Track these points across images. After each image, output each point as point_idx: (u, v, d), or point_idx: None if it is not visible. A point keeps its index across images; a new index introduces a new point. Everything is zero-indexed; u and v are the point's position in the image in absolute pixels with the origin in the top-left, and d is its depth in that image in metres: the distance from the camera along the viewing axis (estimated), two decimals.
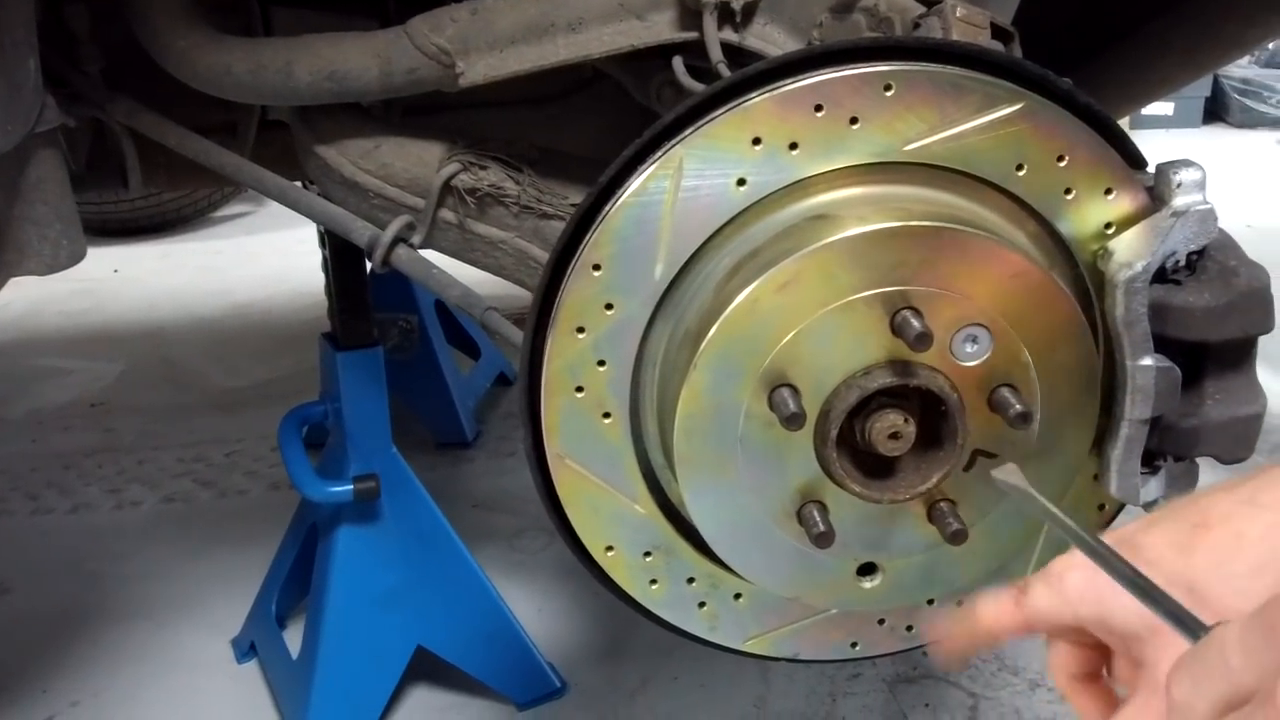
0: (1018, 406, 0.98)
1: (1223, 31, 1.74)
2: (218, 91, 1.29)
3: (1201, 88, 6.49)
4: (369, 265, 1.42)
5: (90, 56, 1.36)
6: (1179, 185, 0.99)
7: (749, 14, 1.16)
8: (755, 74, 0.97)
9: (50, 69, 1.27)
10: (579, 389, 1.04)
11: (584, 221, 1.00)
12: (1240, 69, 6.63)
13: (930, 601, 1.13)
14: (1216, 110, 6.70)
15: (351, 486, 1.70)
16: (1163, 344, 1.02)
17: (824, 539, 1.00)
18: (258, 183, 1.36)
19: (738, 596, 1.14)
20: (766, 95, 0.96)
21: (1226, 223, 1.04)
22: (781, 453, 1.01)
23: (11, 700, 1.91)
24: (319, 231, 1.82)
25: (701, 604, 1.14)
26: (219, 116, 1.47)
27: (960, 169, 1.00)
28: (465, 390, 2.85)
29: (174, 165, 1.50)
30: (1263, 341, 1.05)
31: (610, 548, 1.10)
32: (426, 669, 1.86)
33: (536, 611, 2.09)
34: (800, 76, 0.97)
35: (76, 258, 1.29)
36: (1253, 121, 6.50)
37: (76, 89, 1.36)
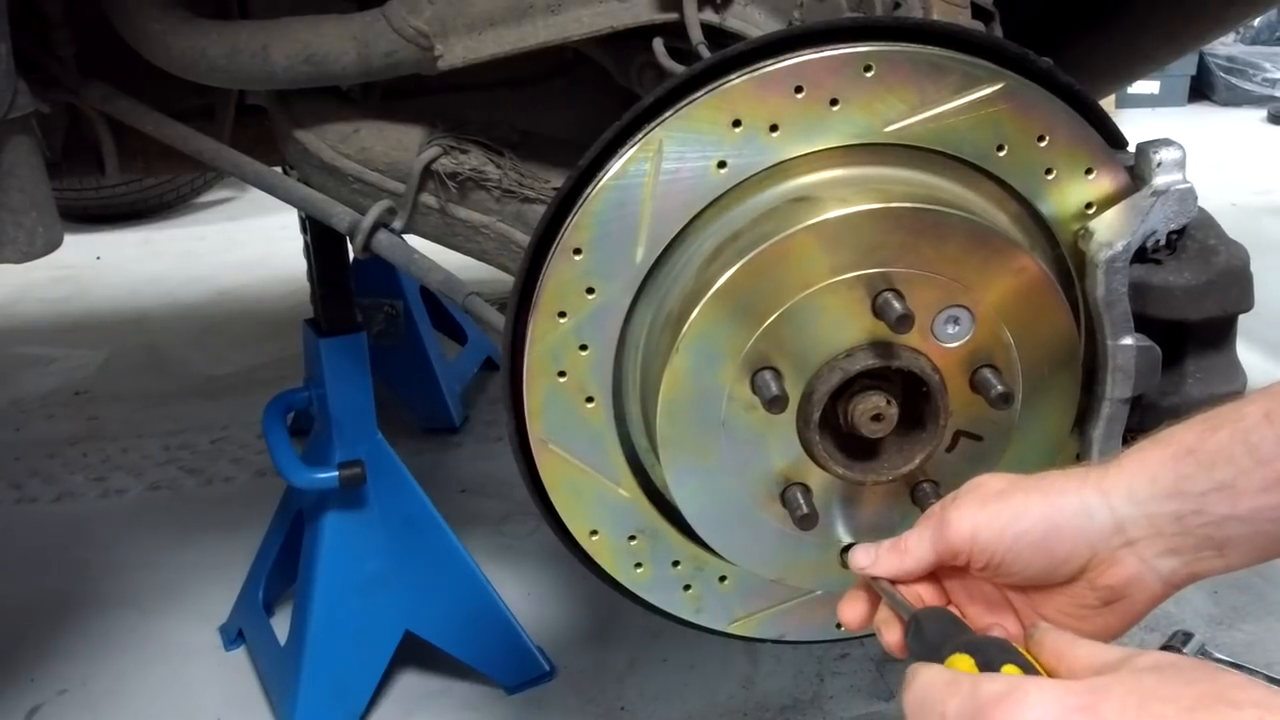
0: (999, 387, 0.98)
1: (1205, 9, 1.74)
2: (193, 75, 1.28)
3: (1187, 66, 6.49)
4: (351, 251, 1.41)
5: (63, 41, 1.35)
6: (1159, 164, 0.99)
7: None
8: (735, 55, 0.96)
9: (23, 54, 1.25)
10: (561, 373, 1.04)
11: (564, 205, 0.99)
12: (1225, 47, 6.63)
13: None
14: (1202, 89, 6.70)
15: (337, 473, 1.70)
16: (1143, 323, 1.02)
17: (807, 521, 1.00)
18: (235, 168, 1.35)
19: (722, 579, 1.14)
20: (746, 77, 0.96)
21: (1211, 201, 1.04)
22: (764, 435, 1.01)
23: None
24: (300, 217, 1.81)
25: (686, 587, 1.14)
26: (196, 101, 1.45)
27: (941, 150, 1.00)
28: (451, 375, 2.84)
29: (151, 151, 1.48)
30: (1243, 320, 1.06)
31: (594, 532, 1.10)
32: (414, 654, 1.86)
33: (524, 595, 2.09)
34: (780, 58, 0.96)
35: (53, 245, 1.28)
36: (1238, 100, 6.51)
37: (50, 74, 1.35)
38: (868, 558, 0.85)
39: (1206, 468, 0.73)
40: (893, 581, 0.84)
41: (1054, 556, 0.77)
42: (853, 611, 0.86)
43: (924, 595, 0.85)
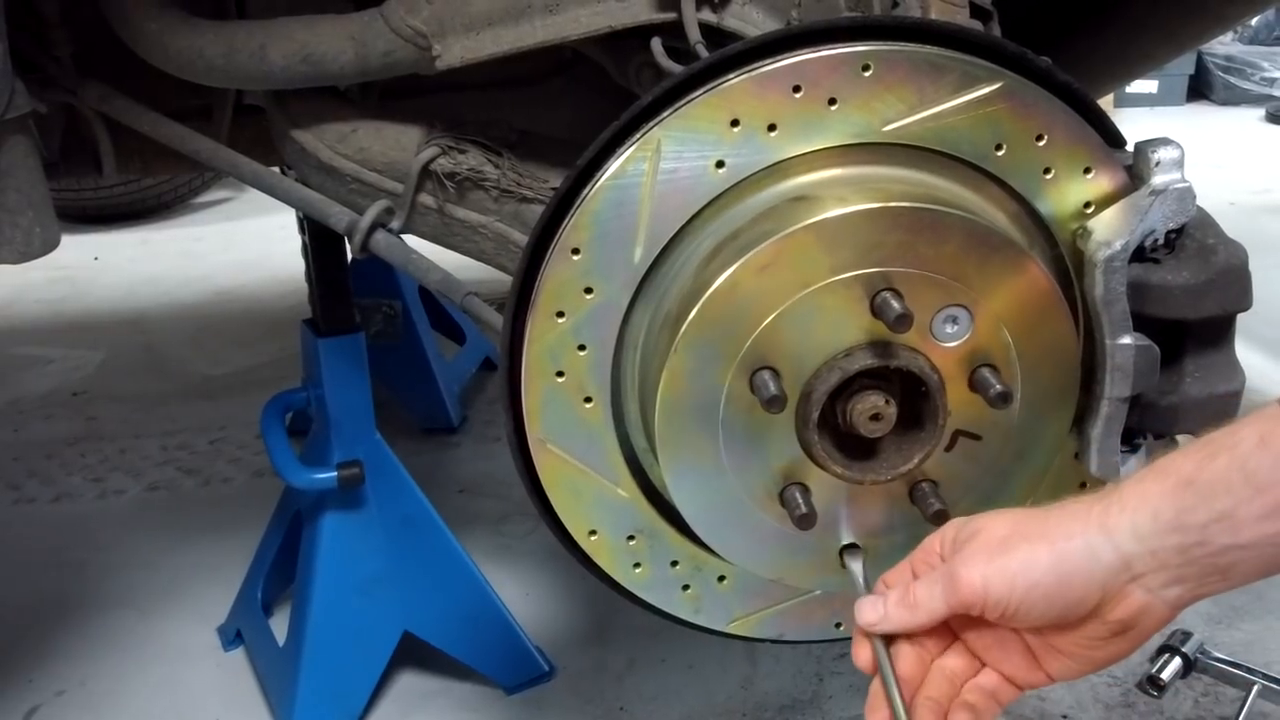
0: (998, 386, 0.98)
1: (1203, 8, 1.74)
2: (190, 75, 1.27)
3: (1185, 65, 6.49)
4: (349, 251, 1.41)
5: (61, 41, 1.34)
6: (1158, 164, 0.99)
7: None
8: (733, 55, 0.96)
9: (20, 54, 1.25)
10: (559, 373, 1.03)
11: (562, 205, 0.99)
12: (1224, 46, 6.63)
13: None
14: (1200, 88, 6.71)
15: (335, 473, 1.69)
16: (1142, 322, 1.02)
17: (806, 520, 1.00)
18: (233, 168, 1.35)
19: (721, 579, 1.14)
20: (745, 76, 0.96)
21: (1209, 201, 1.04)
22: (763, 435, 1.01)
23: None
24: (298, 217, 1.81)
25: (685, 587, 1.14)
26: (193, 101, 1.45)
27: (939, 149, 1.00)
28: (450, 375, 2.84)
29: (148, 151, 1.48)
30: (1241, 318, 1.06)
31: (593, 532, 1.10)
32: (413, 654, 1.86)
33: (523, 595, 2.09)
34: (778, 57, 0.96)
35: (50, 246, 1.28)
36: (1236, 99, 6.52)
37: (47, 74, 1.35)
38: (875, 614, 0.84)
39: (1206, 498, 0.73)
40: (891, 641, 0.84)
41: (1066, 603, 0.78)
42: (867, 654, 0.86)
43: (928, 642, 0.85)
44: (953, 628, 0.86)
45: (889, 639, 0.85)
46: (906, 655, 0.85)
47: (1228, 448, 0.73)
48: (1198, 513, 0.74)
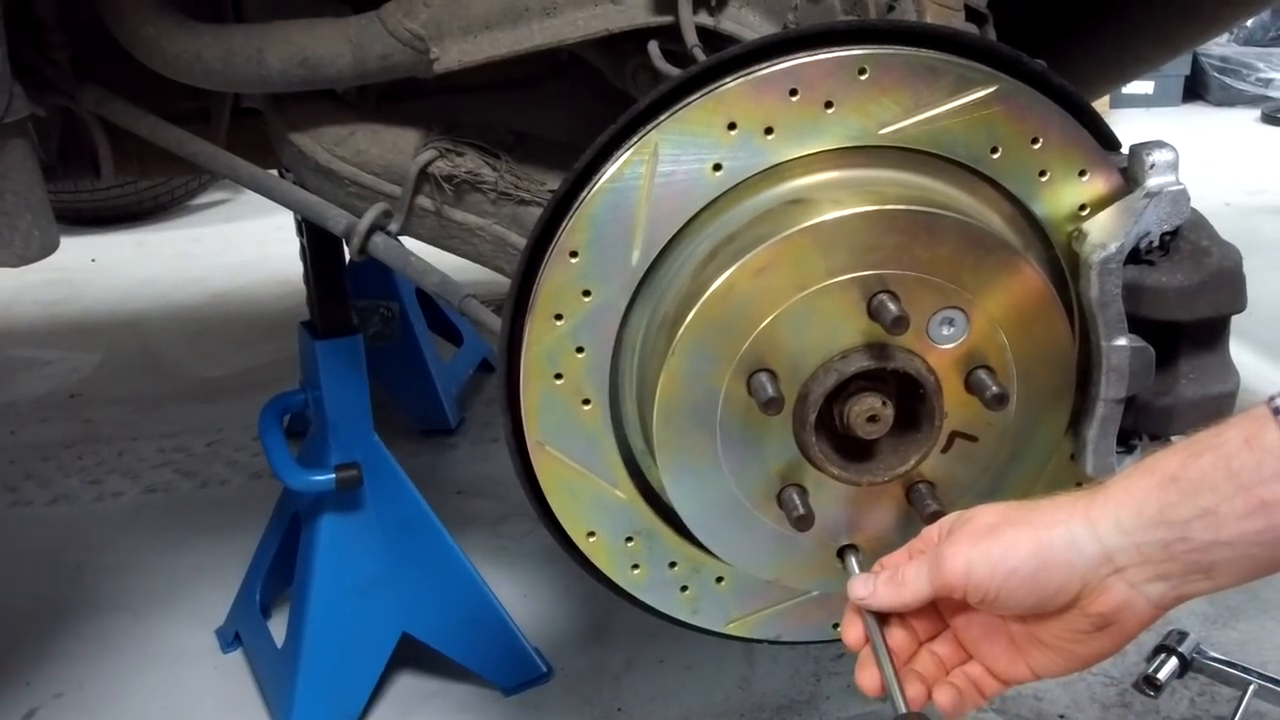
0: (994, 388, 0.98)
1: (1199, 10, 1.75)
2: (188, 79, 1.28)
3: (1181, 66, 6.51)
4: (347, 253, 1.41)
5: (58, 44, 1.35)
6: (1152, 166, 1.00)
7: None
8: (730, 58, 0.97)
9: (18, 57, 1.25)
10: (558, 376, 1.04)
11: (560, 208, 1.00)
12: (1219, 47, 6.65)
13: None
14: (1196, 89, 6.72)
15: (333, 475, 1.70)
16: (1137, 324, 1.03)
17: (803, 522, 1.01)
18: (231, 171, 1.35)
19: (719, 580, 1.14)
20: (741, 80, 0.96)
21: (1205, 201, 1.04)
22: (760, 437, 1.01)
23: None
24: (296, 219, 1.81)
25: (683, 588, 1.14)
26: (191, 104, 1.45)
27: (935, 152, 1.00)
28: (448, 377, 2.84)
29: (146, 154, 1.48)
30: (1236, 319, 1.06)
31: (591, 533, 1.10)
32: (412, 656, 1.86)
33: (521, 597, 2.09)
34: (775, 61, 0.96)
35: (48, 249, 1.28)
36: (1232, 99, 6.53)
37: (45, 77, 1.35)
38: (865, 589, 0.88)
39: (1190, 495, 0.74)
40: (883, 616, 0.87)
41: (1045, 591, 0.79)
42: (855, 633, 0.89)
43: (918, 626, 0.88)
44: (943, 616, 0.88)
45: (881, 620, 0.87)
46: (896, 636, 0.87)
47: (1213, 446, 0.74)
48: (1181, 508, 0.74)
